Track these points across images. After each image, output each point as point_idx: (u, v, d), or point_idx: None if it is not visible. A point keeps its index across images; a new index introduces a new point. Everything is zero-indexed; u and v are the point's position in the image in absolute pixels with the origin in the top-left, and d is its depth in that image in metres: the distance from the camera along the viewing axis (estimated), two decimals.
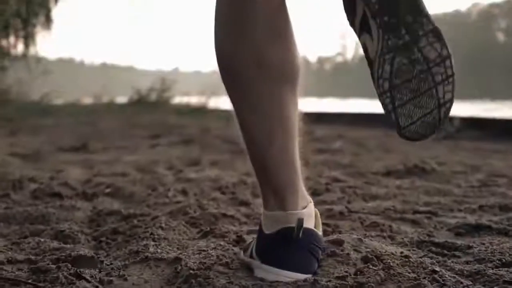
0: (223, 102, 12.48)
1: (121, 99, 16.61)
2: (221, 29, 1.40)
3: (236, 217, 1.87)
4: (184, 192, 2.32)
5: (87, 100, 17.00)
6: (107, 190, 2.39)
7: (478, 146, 5.44)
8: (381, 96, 1.35)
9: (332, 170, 3.22)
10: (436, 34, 1.32)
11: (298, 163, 1.42)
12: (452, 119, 7.47)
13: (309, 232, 1.37)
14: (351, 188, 2.44)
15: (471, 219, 1.92)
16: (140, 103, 14.62)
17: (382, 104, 1.35)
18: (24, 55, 18.11)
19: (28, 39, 18.21)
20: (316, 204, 1.67)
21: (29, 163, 3.77)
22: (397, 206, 2.08)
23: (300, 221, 1.35)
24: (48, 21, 18.53)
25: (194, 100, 14.01)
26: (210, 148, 4.91)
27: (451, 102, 1.34)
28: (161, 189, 2.34)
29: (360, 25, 1.38)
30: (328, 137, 6.06)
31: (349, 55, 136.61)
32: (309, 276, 1.34)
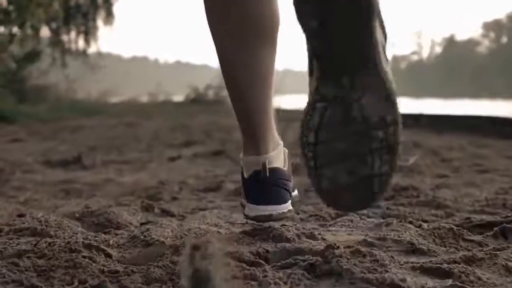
0: (285, 102, 11.35)
1: (180, 98, 15.75)
2: None
3: None
4: None
5: (144, 99, 16.15)
6: None
7: None
8: (303, 147, 1.22)
9: (405, 213, 2.01)
10: (386, 95, 1.16)
11: (271, 110, 1.57)
12: None
13: (275, 171, 1.56)
14: (438, 281, 1.20)
15: None
16: (197, 102, 13.67)
17: (303, 156, 1.22)
18: (84, 51, 17.56)
19: (89, 34, 17.64)
20: None
21: None
22: None
23: (264, 164, 1.55)
24: (109, 16, 17.87)
25: None
26: None
27: (388, 175, 1.18)
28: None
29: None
30: (402, 147, 4.79)
31: (425, 53, 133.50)
32: (284, 205, 1.56)
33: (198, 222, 1.79)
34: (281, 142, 1.63)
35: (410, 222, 1.72)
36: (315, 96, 1.19)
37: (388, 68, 1.21)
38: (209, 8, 1.49)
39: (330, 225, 1.84)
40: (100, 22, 17.69)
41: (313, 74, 1.21)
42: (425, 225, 1.71)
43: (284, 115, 8.41)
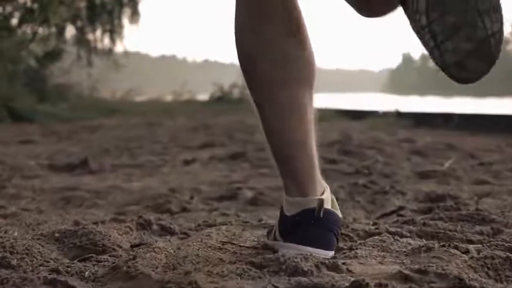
0: (318, 100, 11.01)
1: (205, 96, 15.48)
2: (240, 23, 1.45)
3: None
4: None
5: (169, 98, 15.89)
6: None
7: None
8: (419, 33, 1.30)
9: (445, 231, 1.71)
10: None
11: (315, 153, 1.48)
12: None
13: (329, 212, 1.44)
14: None
15: None
16: (222, 101, 13.40)
17: (422, 42, 1.30)
18: (110, 50, 17.37)
19: (114, 33, 17.44)
20: None
21: None
22: None
23: (321, 202, 1.43)
24: (135, 15, 17.66)
25: None
26: (264, 166, 3.42)
27: (500, 32, 1.26)
28: None
29: None
30: (434, 149, 4.48)
31: None
32: (331, 252, 1.42)
33: (200, 244, 1.50)
34: (327, 185, 1.51)
35: (455, 247, 1.41)
36: None
37: None
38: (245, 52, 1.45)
39: (358, 246, 1.54)
40: (125, 21, 17.49)
41: None
42: (473, 251, 1.41)
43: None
